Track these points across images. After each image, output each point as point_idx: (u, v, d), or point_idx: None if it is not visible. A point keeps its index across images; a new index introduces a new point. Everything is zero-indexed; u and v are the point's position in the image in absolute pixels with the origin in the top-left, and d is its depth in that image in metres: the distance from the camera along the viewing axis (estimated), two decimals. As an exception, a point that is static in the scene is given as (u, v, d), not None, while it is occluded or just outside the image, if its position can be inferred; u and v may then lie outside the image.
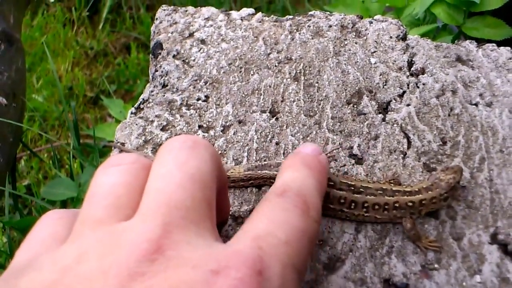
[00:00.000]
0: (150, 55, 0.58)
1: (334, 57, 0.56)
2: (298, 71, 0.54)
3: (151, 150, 0.48)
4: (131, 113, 0.52)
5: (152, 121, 0.50)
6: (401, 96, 0.52)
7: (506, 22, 0.81)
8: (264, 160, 0.47)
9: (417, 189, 0.42)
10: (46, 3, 1.85)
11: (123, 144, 0.48)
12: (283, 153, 0.48)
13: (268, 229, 0.27)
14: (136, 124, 0.50)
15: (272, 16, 0.60)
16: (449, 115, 0.51)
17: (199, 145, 0.30)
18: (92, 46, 1.64)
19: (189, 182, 0.28)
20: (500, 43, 0.80)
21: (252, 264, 0.24)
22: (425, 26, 0.82)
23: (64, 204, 0.86)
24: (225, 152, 0.48)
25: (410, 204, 0.41)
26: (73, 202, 0.83)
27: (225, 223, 0.41)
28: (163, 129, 0.49)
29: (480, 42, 0.86)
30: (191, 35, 0.58)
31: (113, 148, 0.47)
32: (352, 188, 0.41)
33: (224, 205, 0.38)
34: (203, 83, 0.53)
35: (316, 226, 0.30)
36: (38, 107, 1.38)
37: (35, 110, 1.32)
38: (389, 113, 0.51)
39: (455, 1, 0.81)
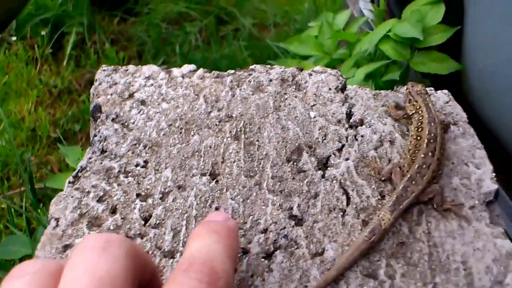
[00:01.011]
0: (91, 118, 0.57)
1: (274, 112, 0.56)
2: (238, 129, 0.54)
3: (86, 225, 0.46)
4: (69, 182, 0.51)
5: (89, 192, 0.49)
6: (340, 150, 0.53)
7: (451, 56, 0.83)
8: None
9: None
10: (8, 41, 1.83)
11: (57, 219, 0.47)
12: (222, 220, 0.47)
13: None
14: (72, 197, 0.49)
15: (213, 72, 0.61)
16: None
17: (112, 244, 0.30)
18: (56, 84, 1.62)
19: None
20: (444, 78, 0.82)
21: None
22: (373, 63, 0.84)
23: (21, 261, 0.84)
24: (163, 222, 0.47)
25: None
26: (30, 259, 0.81)
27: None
28: (99, 200, 0.48)
29: (427, 76, 0.88)
30: (131, 96, 0.58)
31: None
32: None
33: None
34: (142, 147, 0.53)
35: None
36: (0, 151, 1.34)
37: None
38: (328, 168, 0.51)
39: (401, 38, 0.83)
